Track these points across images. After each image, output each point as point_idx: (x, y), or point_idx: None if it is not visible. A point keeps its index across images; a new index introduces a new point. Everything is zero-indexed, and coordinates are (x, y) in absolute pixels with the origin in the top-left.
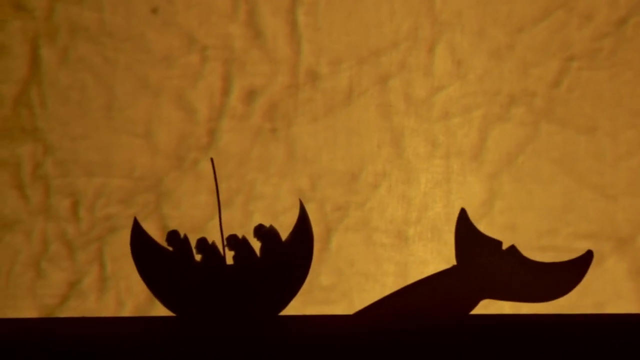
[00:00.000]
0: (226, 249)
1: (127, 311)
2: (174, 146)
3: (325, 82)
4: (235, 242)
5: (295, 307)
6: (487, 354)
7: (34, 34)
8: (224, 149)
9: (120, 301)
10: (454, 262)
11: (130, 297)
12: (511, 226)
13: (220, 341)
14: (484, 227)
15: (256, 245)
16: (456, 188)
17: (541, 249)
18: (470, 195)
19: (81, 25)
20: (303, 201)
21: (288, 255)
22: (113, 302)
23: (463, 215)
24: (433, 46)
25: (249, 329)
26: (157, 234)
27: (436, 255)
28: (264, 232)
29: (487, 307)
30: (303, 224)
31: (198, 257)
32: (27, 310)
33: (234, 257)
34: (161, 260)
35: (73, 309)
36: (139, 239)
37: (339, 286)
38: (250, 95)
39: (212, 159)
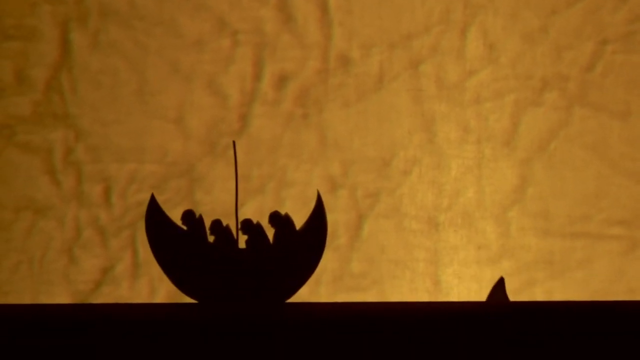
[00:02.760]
0: (240, 232)
1: (160, 297)
2: (205, 131)
3: (356, 67)
4: (249, 226)
5: (326, 295)
6: (520, 341)
7: (64, 18)
8: (256, 134)
9: (153, 288)
10: (484, 248)
11: (162, 283)
12: (543, 213)
13: (252, 330)
14: (516, 214)
15: (270, 232)
16: (488, 174)
17: (574, 235)
18: (501, 181)
19: (112, 8)
20: (335, 187)
21: (301, 243)
22: (146, 289)
23: (500, 283)
24: (465, 29)
25: (273, 313)
26: None
27: (467, 242)
28: (279, 219)
29: (520, 294)
30: (319, 215)
31: (211, 239)
32: (61, 296)
33: (247, 242)
34: (174, 238)
35: (106, 295)
36: (154, 215)
37: (370, 273)
38: (282, 81)
39: (234, 142)
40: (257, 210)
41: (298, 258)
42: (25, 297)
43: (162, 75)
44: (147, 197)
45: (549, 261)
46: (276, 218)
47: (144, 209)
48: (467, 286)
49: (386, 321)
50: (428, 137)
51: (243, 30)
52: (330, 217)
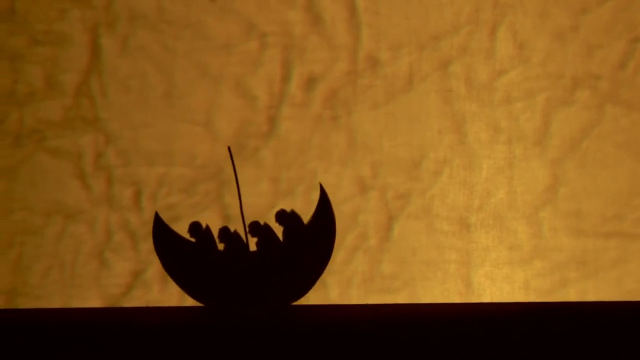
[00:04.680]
0: (249, 235)
1: (190, 301)
2: (234, 134)
3: (385, 68)
4: (257, 228)
5: (358, 296)
6: (553, 342)
7: (93, 23)
8: (284, 137)
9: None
10: (516, 249)
11: None
12: (576, 212)
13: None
14: (548, 214)
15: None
16: (519, 174)
17: (607, 235)
18: (533, 181)
19: (140, 13)
20: (365, 189)
21: (311, 238)
22: (177, 292)
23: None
24: (495, 29)
25: (305, 315)
26: (219, 223)
27: (498, 243)
28: (285, 216)
29: (553, 294)
30: (325, 208)
31: (221, 247)
32: (92, 299)
33: (257, 243)
34: (185, 252)
35: (137, 299)
36: (161, 233)
37: (401, 275)
38: (310, 82)
39: (229, 148)
40: None
41: (310, 253)
42: (56, 302)
43: (191, 79)
44: (177, 200)
45: (582, 261)
46: (283, 215)
47: (174, 212)
48: (499, 287)
49: (418, 323)
50: (458, 137)
51: (271, 32)
52: (360, 219)
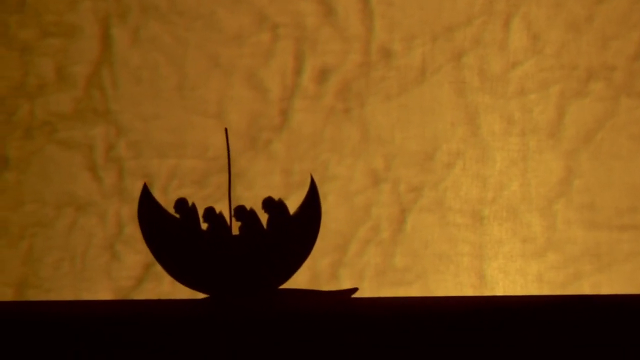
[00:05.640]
0: (233, 219)
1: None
2: (246, 126)
3: (398, 60)
4: (242, 213)
5: (370, 289)
6: (567, 335)
7: (104, 14)
8: (297, 129)
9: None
10: (530, 242)
11: None
12: (590, 205)
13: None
14: (562, 206)
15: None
16: (533, 166)
17: (622, 227)
18: (547, 173)
19: (151, 4)
20: (378, 182)
21: (295, 227)
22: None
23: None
24: (508, 20)
25: (270, 298)
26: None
27: (512, 235)
28: (272, 205)
29: (567, 287)
30: (313, 199)
31: (204, 227)
32: (103, 292)
33: (241, 228)
34: (167, 227)
35: (148, 292)
36: (147, 205)
37: (413, 267)
38: (323, 74)
39: (226, 129)
40: (299, 205)
41: (293, 242)
42: (67, 294)
43: (202, 70)
44: (189, 193)
45: (596, 254)
46: (269, 203)
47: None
48: (512, 280)
49: (431, 316)
50: (471, 129)
51: (283, 24)
52: (373, 211)
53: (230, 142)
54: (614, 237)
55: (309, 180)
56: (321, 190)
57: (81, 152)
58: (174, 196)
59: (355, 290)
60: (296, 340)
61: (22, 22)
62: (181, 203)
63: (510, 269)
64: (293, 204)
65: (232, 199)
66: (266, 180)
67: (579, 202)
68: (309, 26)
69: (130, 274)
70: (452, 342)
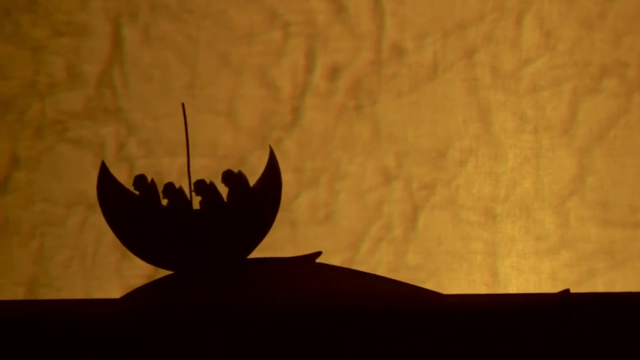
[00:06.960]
0: (193, 194)
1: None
2: (257, 124)
3: (409, 57)
4: (202, 187)
5: None
6: (581, 333)
7: (115, 13)
8: (308, 127)
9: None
10: (543, 239)
11: None
12: (603, 202)
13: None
14: (575, 204)
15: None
16: (545, 164)
17: (635, 225)
18: (560, 170)
19: (162, 2)
20: (389, 179)
21: (255, 198)
22: None
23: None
24: (521, 17)
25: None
26: None
27: (525, 233)
28: (232, 177)
29: (580, 285)
30: (272, 169)
31: (164, 202)
32: (114, 290)
33: (201, 202)
34: (127, 203)
35: None
36: (106, 182)
37: (426, 265)
38: (334, 72)
39: (183, 104)
40: (310, 203)
41: (254, 213)
42: (77, 293)
43: (213, 69)
44: None
45: (610, 252)
46: (229, 176)
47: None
48: (525, 278)
49: (444, 314)
50: (484, 127)
51: (294, 22)
52: (385, 209)
53: (239, 140)
54: (628, 235)
55: (320, 178)
56: (333, 188)
57: (92, 150)
58: None
59: (319, 254)
60: (295, 339)
61: (33, 21)
62: (140, 179)
63: (524, 266)
64: (304, 202)
65: (191, 175)
66: None
67: (592, 200)
68: (320, 24)
69: (141, 272)
70: (465, 340)
